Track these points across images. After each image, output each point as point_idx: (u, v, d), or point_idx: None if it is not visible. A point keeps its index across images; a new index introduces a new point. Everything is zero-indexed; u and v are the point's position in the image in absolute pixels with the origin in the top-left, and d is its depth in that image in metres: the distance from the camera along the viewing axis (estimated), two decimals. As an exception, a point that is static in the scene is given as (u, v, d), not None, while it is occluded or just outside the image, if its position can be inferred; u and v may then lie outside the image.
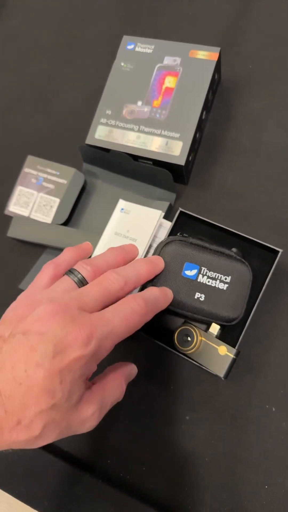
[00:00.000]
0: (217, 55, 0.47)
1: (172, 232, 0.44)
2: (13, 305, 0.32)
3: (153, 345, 0.41)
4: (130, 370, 0.35)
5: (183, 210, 0.43)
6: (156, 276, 0.39)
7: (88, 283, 0.32)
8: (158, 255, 0.39)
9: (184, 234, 0.41)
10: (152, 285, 0.39)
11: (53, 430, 0.27)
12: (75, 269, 0.33)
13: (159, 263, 0.38)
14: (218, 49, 0.47)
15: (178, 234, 0.41)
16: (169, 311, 0.43)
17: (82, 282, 0.32)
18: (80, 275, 0.32)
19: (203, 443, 0.41)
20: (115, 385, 0.32)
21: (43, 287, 0.33)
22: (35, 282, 0.33)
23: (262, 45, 0.54)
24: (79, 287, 0.32)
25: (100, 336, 0.28)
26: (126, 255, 0.36)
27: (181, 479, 0.41)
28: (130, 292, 0.33)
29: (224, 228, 0.42)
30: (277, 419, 0.40)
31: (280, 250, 0.40)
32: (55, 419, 0.26)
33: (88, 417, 0.29)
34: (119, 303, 0.31)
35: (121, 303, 0.31)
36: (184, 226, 0.45)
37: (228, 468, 0.40)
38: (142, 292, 0.33)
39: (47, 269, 0.34)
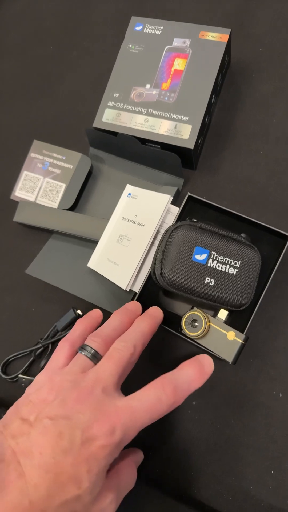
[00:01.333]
0: (227, 37, 0.46)
1: (180, 217, 0.43)
2: (33, 386, 0.32)
3: (160, 330, 0.41)
4: (139, 457, 0.36)
5: (191, 194, 0.42)
6: (166, 261, 0.38)
7: (101, 355, 0.33)
8: (168, 239, 0.39)
9: (193, 219, 0.40)
10: (162, 272, 0.38)
11: None
12: (87, 345, 0.33)
13: (158, 315, 0.38)
14: (229, 30, 0.46)
15: (187, 219, 0.41)
16: (178, 297, 0.43)
17: (96, 356, 0.33)
18: (92, 350, 0.33)
19: (210, 428, 0.41)
20: (129, 473, 0.32)
21: (61, 367, 0.33)
22: (53, 362, 0.34)
23: (273, 28, 0.53)
24: (94, 362, 0.32)
25: (125, 427, 0.27)
26: (131, 315, 0.37)
27: (187, 464, 0.41)
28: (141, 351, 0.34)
29: (233, 213, 0.41)
30: (284, 405, 0.40)
31: (290, 235, 0.39)
32: (76, 511, 0.26)
33: (106, 506, 0.28)
34: (146, 389, 0.30)
35: (148, 390, 0.30)
36: (192, 211, 0.45)
37: (234, 453, 0.40)
38: (173, 373, 0.31)
39: (62, 348, 0.35)
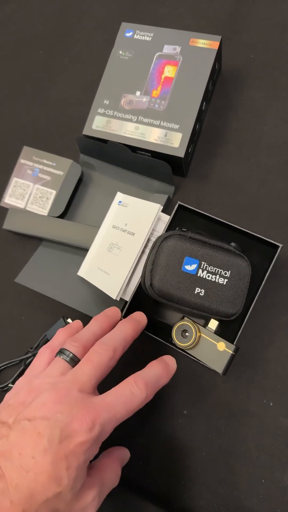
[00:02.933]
0: (218, 44, 0.46)
1: (170, 226, 0.43)
2: (12, 391, 0.33)
3: (151, 340, 0.41)
4: (124, 454, 0.36)
5: (181, 203, 0.42)
6: (156, 272, 0.38)
7: (79, 359, 0.33)
8: (157, 249, 0.39)
9: (183, 229, 0.40)
10: (152, 283, 0.38)
11: None
12: (65, 349, 0.34)
13: (142, 319, 0.38)
14: (219, 37, 0.46)
15: (177, 228, 0.40)
16: (168, 307, 0.43)
17: (74, 360, 0.33)
18: (71, 354, 0.33)
19: (201, 437, 0.41)
20: (112, 470, 0.33)
21: (40, 371, 0.34)
22: (32, 367, 0.35)
23: (264, 34, 0.53)
24: (72, 365, 0.33)
25: (103, 421, 0.28)
26: (110, 320, 0.37)
27: (178, 473, 0.41)
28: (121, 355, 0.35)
29: (223, 222, 0.41)
30: (275, 414, 0.40)
31: (280, 245, 0.39)
32: (59, 508, 0.26)
33: (88, 503, 0.28)
34: (120, 386, 0.31)
35: (122, 386, 0.31)
36: (183, 220, 0.45)
37: (225, 463, 0.40)
38: (143, 371, 0.33)
39: (43, 354, 0.35)
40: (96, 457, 0.33)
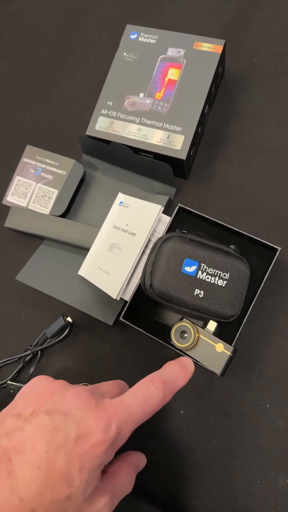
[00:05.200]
0: (221, 48, 0.46)
1: (170, 228, 0.44)
2: (30, 383, 0.32)
3: (149, 341, 0.41)
4: (140, 460, 0.34)
5: (182, 205, 0.42)
6: (156, 273, 0.38)
7: None
8: (158, 251, 0.39)
9: (183, 231, 0.40)
10: (151, 284, 0.38)
11: None
12: None
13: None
14: (223, 41, 0.47)
15: (177, 230, 0.41)
16: (167, 308, 0.43)
17: None
18: None
19: (197, 437, 0.42)
20: (126, 476, 0.31)
21: None
22: None
23: (267, 39, 0.53)
24: None
25: (119, 422, 0.27)
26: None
27: (174, 473, 0.41)
28: None
29: (223, 225, 0.42)
30: (271, 416, 0.41)
31: (279, 248, 0.39)
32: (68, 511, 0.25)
33: (99, 510, 0.27)
34: (136, 386, 0.30)
35: (138, 386, 0.30)
36: (183, 222, 0.45)
37: (221, 463, 0.40)
38: (160, 371, 0.32)
39: None
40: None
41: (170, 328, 0.39)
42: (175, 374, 0.32)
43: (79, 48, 0.60)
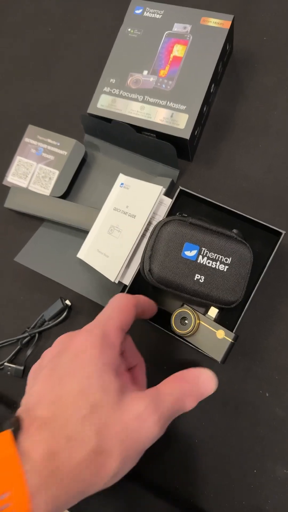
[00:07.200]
0: (229, 23, 0.44)
1: (171, 212, 0.42)
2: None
3: (150, 327, 0.40)
4: (203, 378, 0.29)
5: (183, 188, 0.41)
6: (155, 257, 0.37)
7: None
8: (157, 235, 0.38)
9: (184, 214, 0.39)
10: (150, 269, 0.37)
11: (112, 438, 0.24)
12: None
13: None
14: (231, 17, 0.45)
15: (177, 214, 0.39)
16: (167, 294, 0.42)
17: None
18: None
19: (194, 425, 0.41)
20: (175, 386, 0.28)
21: None
22: None
23: (278, 15, 0.51)
24: None
25: (101, 322, 0.29)
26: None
27: (169, 459, 0.41)
28: None
29: (226, 208, 0.40)
30: (270, 405, 0.40)
31: (283, 232, 0.38)
32: (106, 422, 0.24)
33: (140, 412, 0.25)
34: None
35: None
36: (184, 206, 0.44)
37: (217, 451, 0.40)
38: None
39: None
40: None
41: (170, 315, 0.38)
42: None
43: (83, 25, 0.58)
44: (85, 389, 0.24)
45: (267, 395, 0.40)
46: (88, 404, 0.24)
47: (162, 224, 0.38)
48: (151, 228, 0.44)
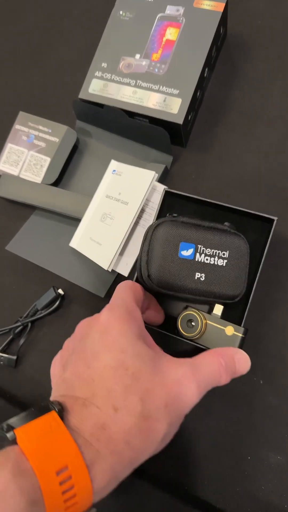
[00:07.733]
0: (223, 6, 0.44)
1: (160, 214, 0.41)
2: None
3: (156, 334, 0.38)
4: (239, 357, 0.31)
5: (168, 189, 0.39)
6: (152, 262, 0.36)
7: None
8: (150, 239, 0.36)
9: (174, 214, 0.38)
10: (149, 274, 0.36)
11: (156, 403, 0.25)
12: None
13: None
14: (225, -1, 0.44)
15: (167, 215, 0.38)
16: (169, 297, 0.41)
17: None
18: None
19: (188, 414, 0.40)
20: (213, 359, 0.29)
21: None
22: None
23: (273, 0, 0.50)
24: None
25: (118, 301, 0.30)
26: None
27: (164, 448, 0.40)
28: None
29: (215, 203, 0.39)
30: (264, 393, 0.40)
31: (275, 218, 0.37)
32: (148, 388, 0.25)
33: (179, 377, 0.26)
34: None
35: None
36: (172, 206, 0.42)
37: (211, 439, 0.40)
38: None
39: None
40: None
41: (175, 319, 0.37)
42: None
43: (75, 11, 0.57)
44: (122, 360, 0.26)
45: (261, 383, 0.40)
46: (128, 375, 0.25)
47: (154, 227, 0.36)
48: (144, 215, 0.43)
